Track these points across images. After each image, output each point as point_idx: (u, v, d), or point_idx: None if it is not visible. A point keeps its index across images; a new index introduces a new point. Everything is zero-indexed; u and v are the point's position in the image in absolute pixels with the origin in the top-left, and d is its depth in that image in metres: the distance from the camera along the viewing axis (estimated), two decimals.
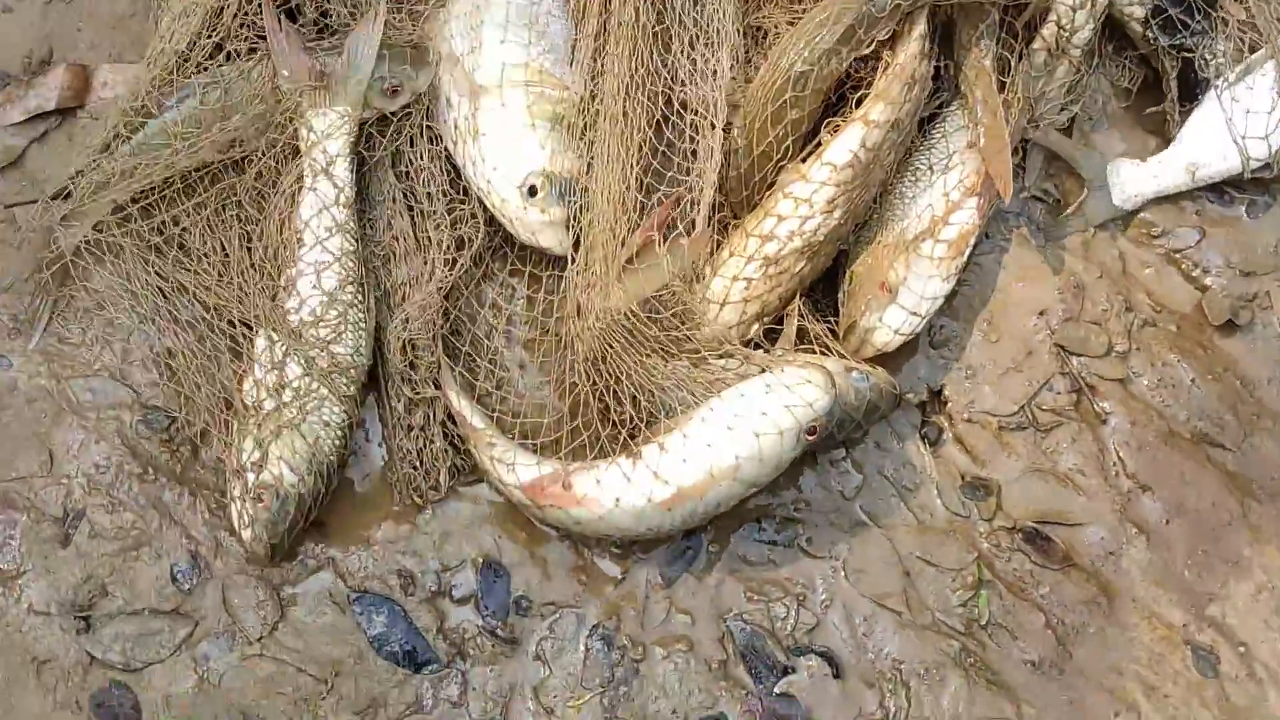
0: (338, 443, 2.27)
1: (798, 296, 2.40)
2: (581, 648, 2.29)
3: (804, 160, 2.37)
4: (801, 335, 2.38)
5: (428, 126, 2.48)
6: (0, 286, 2.43)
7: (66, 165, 2.43)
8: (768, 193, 2.40)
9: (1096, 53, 2.65)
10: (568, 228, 2.41)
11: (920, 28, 2.38)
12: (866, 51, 2.37)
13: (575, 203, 2.40)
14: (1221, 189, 2.63)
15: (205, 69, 2.42)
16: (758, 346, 2.37)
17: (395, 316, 2.36)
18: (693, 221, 2.33)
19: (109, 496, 2.32)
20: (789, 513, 2.38)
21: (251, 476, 2.21)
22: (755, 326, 2.38)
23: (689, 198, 2.37)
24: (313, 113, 2.39)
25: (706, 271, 2.37)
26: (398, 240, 2.43)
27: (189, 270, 2.37)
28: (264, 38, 2.41)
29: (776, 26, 2.53)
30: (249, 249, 2.39)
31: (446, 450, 2.35)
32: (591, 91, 2.46)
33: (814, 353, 2.34)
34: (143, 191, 2.37)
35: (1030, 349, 2.51)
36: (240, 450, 2.24)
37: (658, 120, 2.45)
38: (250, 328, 2.33)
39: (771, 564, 2.36)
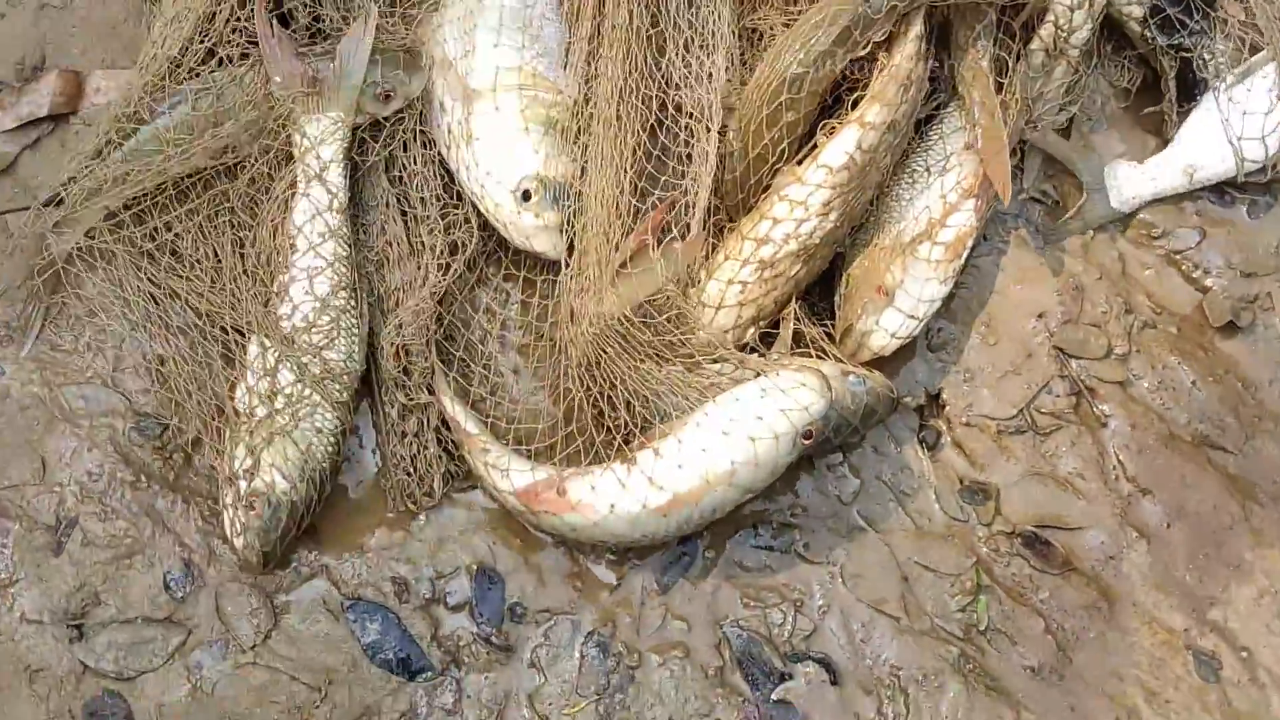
0: (330, 449, 2.26)
1: (793, 300, 2.38)
2: (577, 655, 2.27)
3: (799, 163, 2.35)
4: (797, 339, 2.37)
5: (421, 131, 2.47)
6: None
7: (59, 172, 2.42)
8: (763, 196, 2.38)
9: (1095, 53, 2.64)
10: (562, 232, 2.39)
11: (916, 29, 2.37)
12: (863, 53, 2.35)
13: (569, 207, 2.39)
14: (1222, 189, 2.61)
15: (198, 75, 2.41)
16: (753, 350, 2.36)
17: (389, 322, 2.35)
18: (687, 225, 2.32)
19: (101, 504, 2.31)
20: (786, 518, 2.37)
21: (243, 484, 2.20)
22: (751, 330, 2.37)
23: (684, 202, 2.36)
24: (305, 118, 2.38)
25: (701, 275, 2.36)
26: (391, 245, 2.42)
27: (181, 277, 2.37)
28: (256, 43, 2.40)
29: (772, 28, 2.52)
30: (241, 255, 2.38)
31: (440, 456, 2.34)
32: (585, 95, 2.45)
33: (810, 357, 2.33)
34: (135, 198, 2.36)
35: (1029, 352, 2.49)
36: (232, 457, 2.23)
37: (652, 124, 2.43)
38: (243, 334, 2.32)
39: (768, 570, 2.34)
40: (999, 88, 2.45)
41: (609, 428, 2.28)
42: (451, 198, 2.46)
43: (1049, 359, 2.49)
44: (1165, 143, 2.61)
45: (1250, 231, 2.60)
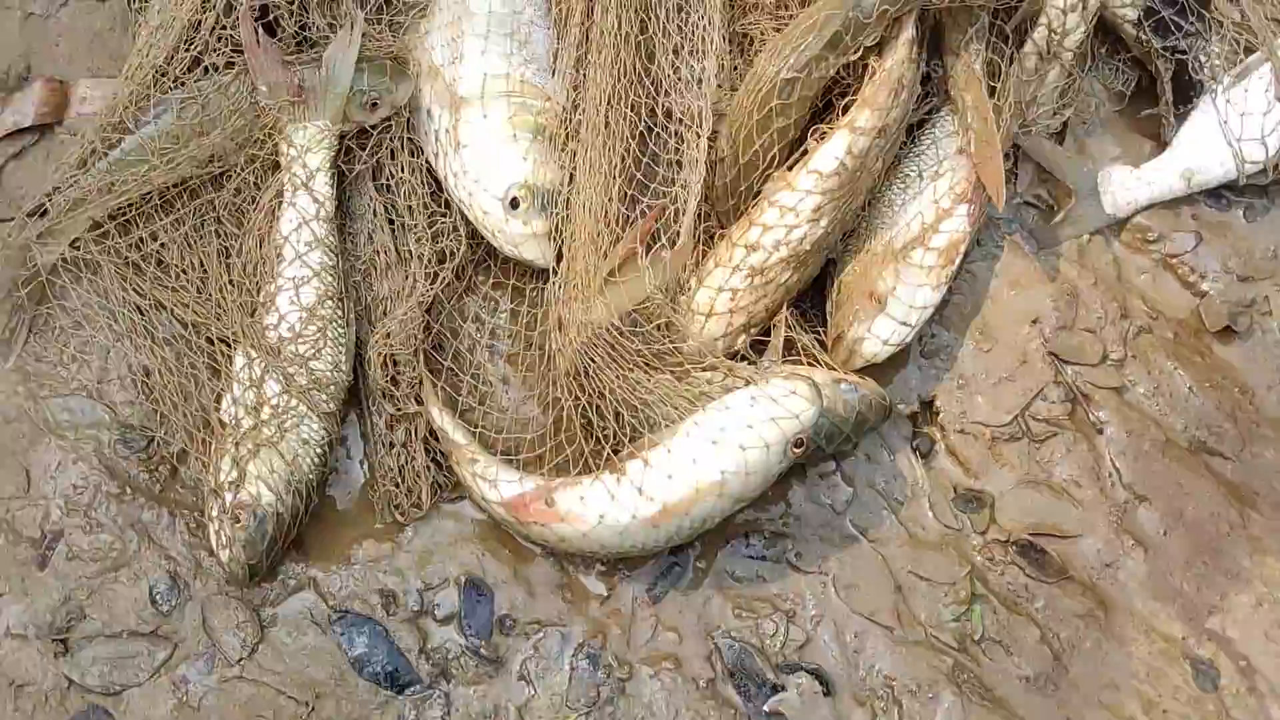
0: (317, 461, 2.24)
1: (785, 307, 2.36)
2: (567, 667, 2.25)
3: (790, 169, 2.33)
4: (789, 346, 2.35)
5: (409, 139, 2.45)
6: None
7: (44, 182, 2.40)
8: (754, 202, 2.36)
9: (1089, 56, 2.61)
10: (550, 240, 2.37)
11: (908, 33, 2.34)
12: (854, 58, 2.33)
13: (558, 215, 2.37)
14: (1219, 192, 2.58)
15: (183, 83, 2.39)
16: (744, 358, 2.34)
17: (376, 331, 2.33)
18: (677, 234, 2.30)
19: (87, 517, 2.29)
20: (778, 527, 2.35)
21: (229, 496, 2.18)
22: (742, 338, 2.35)
23: (673, 209, 2.34)
24: (292, 127, 2.36)
25: (692, 283, 2.34)
26: (379, 254, 2.40)
27: (167, 287, 2.35)
28: (242, 51, 2.38)
29: (763, 33, 2.49)
30: (228, 265, 2.36)
31: (429, 467, 2.32)
32: (574, 101, 2.43)
33: (802, 364, 2.31)
34: (121, 208, 2.35)
35: (1024, 358, 2.47)
36: (218, 469, 2.21)
37: (641, 130, 2.41)
38: (229, 345, 2.31)
39: (760, 580, 2.32)
40: (992, 91, 2.43)
41: (598, 437, 2.25)
42: (439, 206, 2.44)
43: (1044, 365, 2.46)
44: (1162, 146, 2.59)
45: (1247, 235, 2.57)
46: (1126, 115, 2.66)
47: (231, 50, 2.40)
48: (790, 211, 2.30)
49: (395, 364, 2.32)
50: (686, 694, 2.25)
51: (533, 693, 2.24)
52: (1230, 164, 2.52)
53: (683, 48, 2.44)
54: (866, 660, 2.28)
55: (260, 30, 2.38)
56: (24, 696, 2.20)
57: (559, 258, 2.36)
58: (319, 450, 2.25)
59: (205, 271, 2.36)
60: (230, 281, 2.34)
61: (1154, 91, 2.62)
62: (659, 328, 2.26)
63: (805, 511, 2.36)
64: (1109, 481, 2.40)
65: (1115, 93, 2.66)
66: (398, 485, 2.31)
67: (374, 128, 2.42)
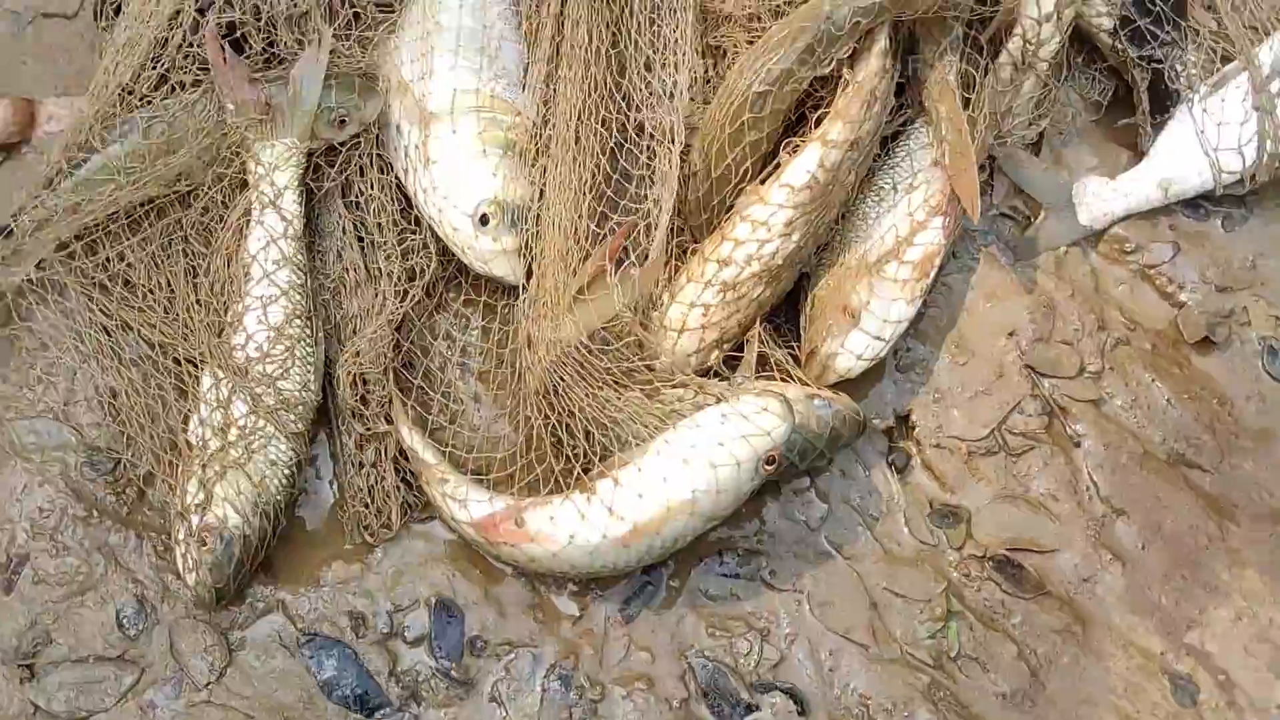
0: (285, 482, 2.22)
1: (758, 322, 2.34)
2: (538, 688, 2.23)
3: (762, 182, 2.31)
4: (762, 362, 2.33)
5: (378, 156, 2.43)
6: None
7: (9, 203, 2.38)
8: (725, 217, 2.34)
9: (1065, 65, 2.59)
10: (520, 256, 2.35)
11: (880, 44, 2.33)
12: (827, 70, 2.31)
13: (528, 231, 2.35)
14: (1196, 203, 2.57)
15: (150, 102, 2.37)
16: (718, 374, 2.32)
17: (346, 350, 2.31)
18: (646, 250, 2.28)
19: (53, 541, 2.27)
20: (752, 544, 2.33)
21: (195, 519, 2.16)
22: (715, 354, 2.33)
23: (643, 225, 2.31)
24: (260, 145, 2.34)
25: (664, 298, 2.32)
26: (348, 272, 2.39)
27: (134, 307, 2.33)
28: (209, 69, 2.36)
29: (735, 46, 2.48)
30: (195, 284, 2.34)
31: (398, 487, 2.30)
32: (545, 116, 2.41)
33: (775, 380, 2.29)
34: (87, 227, 2.33)
35: (1000, 371, 2.45)
36: (184, 491, 2.19)
37: (613, 146, 2.39)
38: (196, 365, 2.29)
39: (734, 598, 2.30)
40: (966, 103, 2.41)
41: (568, 456, 2.23)
42: (409, 223, 2.43)
43: (1020, 378, 2.45)
44: (1139, 156, 2.57)
45: (1225, 245, 2.55)
46: (1103, 125, 2.64)
47: (198, 68, 2.39)
48: (762, 225, 2.28)
49: (365, 383, 2.31)
50: (660, 714, 2.23)
51: (504, 715, 2.22)
52: (1208, 174, 2.50)
53: (654, 61, 2.42)
54: (841, 679, 2.26)
55: (227, 48, 2.36)
56: None
57: (529, 274, 2.34)
58: (287, 471, 2.23)
59: (173, 291, 2.34)
60: (198, 301, 2.32)
61: (1131, 101, 2.60)
62: (629, 345, 2.23)
63: (779, 528, 2.34)
64: (1086, 495, 2.38)
65: (1092, 102, 2.65)
66: (367, 506, 2.28)
67: (343, 144, 2.41)
